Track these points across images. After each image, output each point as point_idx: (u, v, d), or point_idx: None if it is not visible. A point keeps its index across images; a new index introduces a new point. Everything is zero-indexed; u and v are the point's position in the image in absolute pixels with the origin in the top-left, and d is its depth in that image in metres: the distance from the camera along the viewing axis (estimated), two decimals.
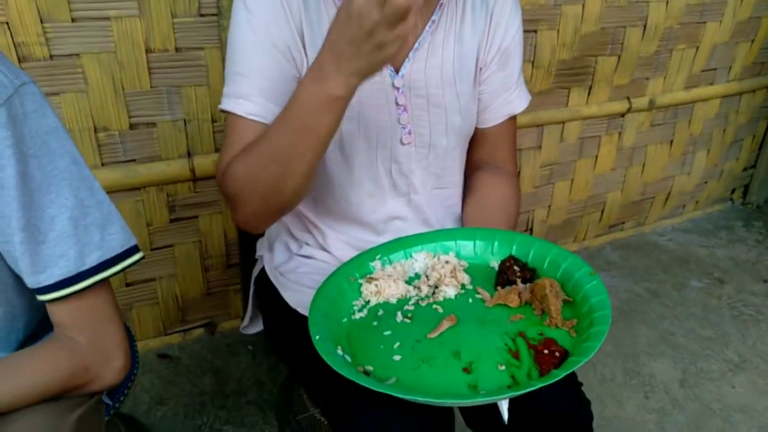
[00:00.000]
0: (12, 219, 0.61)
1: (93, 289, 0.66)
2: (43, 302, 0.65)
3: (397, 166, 0.94)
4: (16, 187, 0.60)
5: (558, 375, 0.63)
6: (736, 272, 2.17)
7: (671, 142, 2.29)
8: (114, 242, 0.67)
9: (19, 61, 1.20)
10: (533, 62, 1.80)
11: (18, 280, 0.67)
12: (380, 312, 0.80)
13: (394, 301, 0.82)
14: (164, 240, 1.53)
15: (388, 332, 0.77)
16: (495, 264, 0.88)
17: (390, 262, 0.87)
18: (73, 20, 1.22)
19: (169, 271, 1.57)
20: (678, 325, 1.88)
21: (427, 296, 0.83)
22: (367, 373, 0.70)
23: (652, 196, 2.38)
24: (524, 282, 0.83)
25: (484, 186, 1.01)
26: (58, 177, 0.63)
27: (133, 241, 0.69)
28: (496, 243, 0.89)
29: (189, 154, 1.45)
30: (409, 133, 0.92)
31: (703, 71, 2.19)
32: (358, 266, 0.86)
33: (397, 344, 0.74)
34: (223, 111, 0.86)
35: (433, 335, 0.75)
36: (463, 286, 0.84)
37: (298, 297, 0.95)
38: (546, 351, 0.71)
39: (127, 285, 1.53)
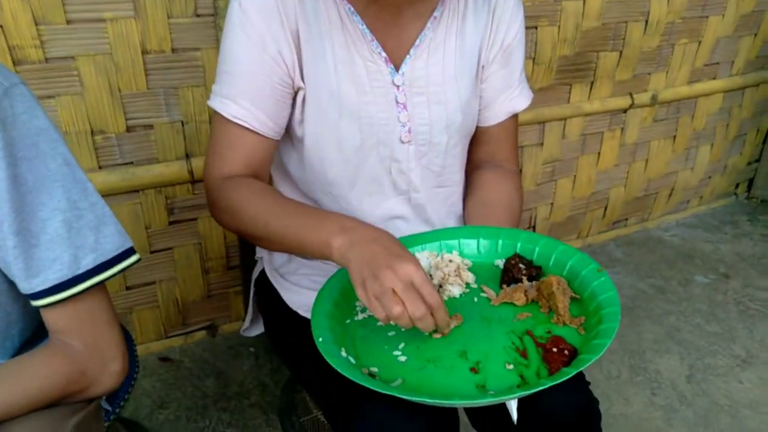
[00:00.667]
0: (4, 223, 0.59)
1: (89, 293, 0.65)
2: (38, 308, 0.64)
3: (397, 164, 0.93)
4: (7, 191, 0.59)
5: (568, 373, 0.62)
6: (742, 267, 2.15)
7: (674, 137, 2.27)
8: (109, 244, 0.66)
9: (14, 64, 1.19)
10: (534, 59, 1.79)
11: (12, 285, 0.65)
12: None
13: None
14: (163, 243, 1.51)
15: (392, 333, 0.75)
16: (500, 262, 0.86)
17: None
18: (68, 22, 1.20)
19: (169, 274, 1.55)
20: (684, 321, 1.86)
21: None
22: (372, 374, 0.69)
23: (656, 191, 2.36)
24: (530, 280, 0.81)
25: (485, 184, 1.00)
26: (50, 179, 0.62)
27: (128, 244, 0.68)
28: (500, 241, 0.88)
29: (187, 156, 1.43)
30: (409, 132, 0.91)
31: (705, 66, 2.18)
32: None
33: (402, 345, 0.73)
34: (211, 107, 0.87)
35: (439, 335, 0.74)
36: (467, 284, 0.83)
37: (298, 298, 0.94)
38: (554, 349, 0.69)
39: (127, 288, 1.52)
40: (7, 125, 0.59)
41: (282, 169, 0.98)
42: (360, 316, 0.79)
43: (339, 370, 0.64)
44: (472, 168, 1.05)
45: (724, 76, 2.25)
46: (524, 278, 0.81)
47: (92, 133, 1.32)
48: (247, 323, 1.11)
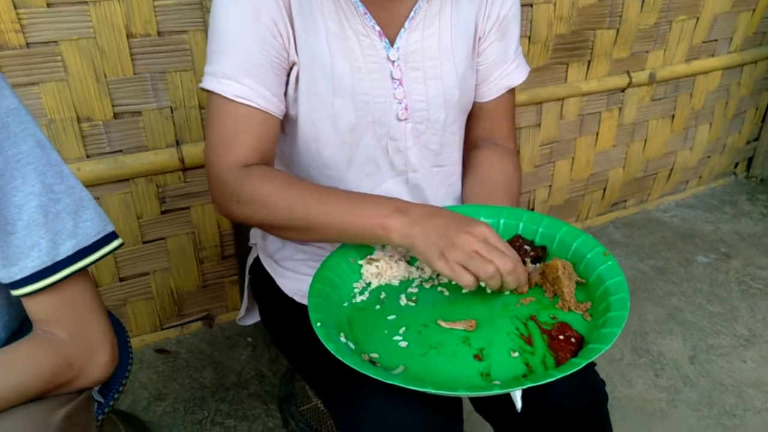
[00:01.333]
0: None
1: (71, 280, 0.62)
2: (19, 298, 0.61)
3: (394, 143, 0.90)
4: None
5: (578, 364, 0.60)
6: (743, 246, 2.13)
7: (672, 116, 2.24)
8: (89, 229, 0.63)
9: None
10: (530, 37, 1.75)
11: None
12: (382, 295, 0.76)
13: (396, 283, 0.78)
14: (156, 232, 1.48)
15: (392, 317, 0.73)
16: None
17: None
18: (48, 5, 1.16)
19: (162, 265, 1.52)
20: (686, 301, 1.84)
21: (431, 278, 0.79)
22: (372, 361, 0.66)
23: (655, 172, 2.34)
24: (534, 262, 0.79)
25: (484, 163, 0.98)
26: (22, 162, 0.59)
27: (110, 228, 0.65)
28: (502, 221, 0.85)
29: (177, 143, 1.39)
30: (405, 108, 0.88)
31: (703, 43, 2.14)
32: (358, 246, 0.81)
33: (403, 329, 0.70)
34: (205, 90, 0.81)
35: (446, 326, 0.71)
36: None
37: (293, 284, 0.91)
38: (561, 336, 0.67)
39: (121, 280, 1.49)
40: None
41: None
42: (358, 299, 0.76)
43: (338, 357, 0.62)
44: (469, 147, 1.02)
45: (723, 53, 2.22)
46: (528, 260, 0.78)
47: (78, 120, 1.28)
48: (242, 312, 1.09)
